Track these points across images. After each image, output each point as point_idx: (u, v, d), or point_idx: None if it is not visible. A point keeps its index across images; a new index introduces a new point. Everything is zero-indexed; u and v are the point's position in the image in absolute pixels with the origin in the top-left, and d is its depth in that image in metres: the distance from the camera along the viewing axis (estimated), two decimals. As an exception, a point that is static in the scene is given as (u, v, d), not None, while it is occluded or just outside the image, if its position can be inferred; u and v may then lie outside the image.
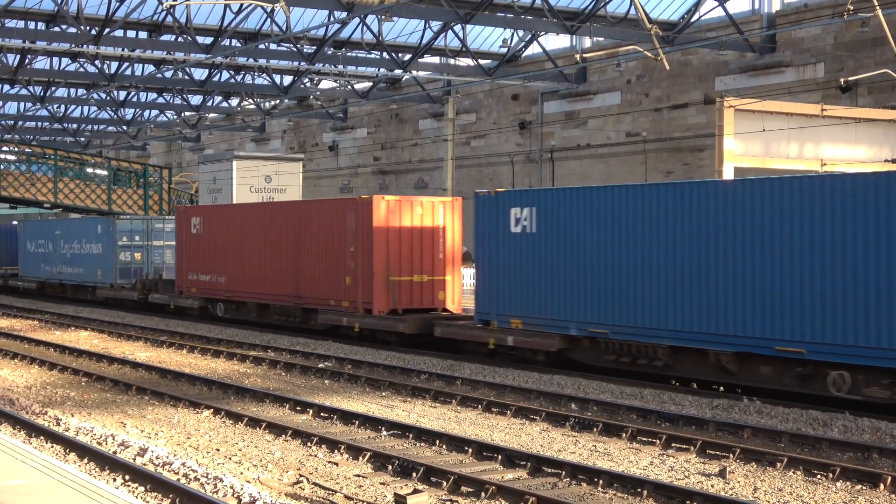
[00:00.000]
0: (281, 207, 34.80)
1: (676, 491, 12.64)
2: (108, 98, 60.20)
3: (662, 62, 30.97)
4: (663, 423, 17.59)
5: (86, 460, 14.45)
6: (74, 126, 74.41)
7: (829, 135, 28.33)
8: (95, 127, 75.68)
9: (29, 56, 47.84)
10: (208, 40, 40.59)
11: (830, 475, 13.60)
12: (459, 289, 30.03)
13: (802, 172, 25.58)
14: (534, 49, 47.57)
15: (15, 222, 63.02)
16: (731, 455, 14.84)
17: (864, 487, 13.21)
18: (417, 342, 28.23)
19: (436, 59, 49.35)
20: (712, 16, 40.57)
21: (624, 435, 16.47)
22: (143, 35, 44.76)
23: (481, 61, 46.12)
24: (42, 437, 16.09)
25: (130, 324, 35.89)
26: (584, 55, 45.80)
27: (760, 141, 27.06)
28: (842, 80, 32.46)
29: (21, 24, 41.08)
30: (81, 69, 51.50)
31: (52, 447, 15.43)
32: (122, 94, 60.49)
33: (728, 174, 26.08)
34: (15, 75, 49.15)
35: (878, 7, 24.96)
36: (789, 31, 37.66)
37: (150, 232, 44.94)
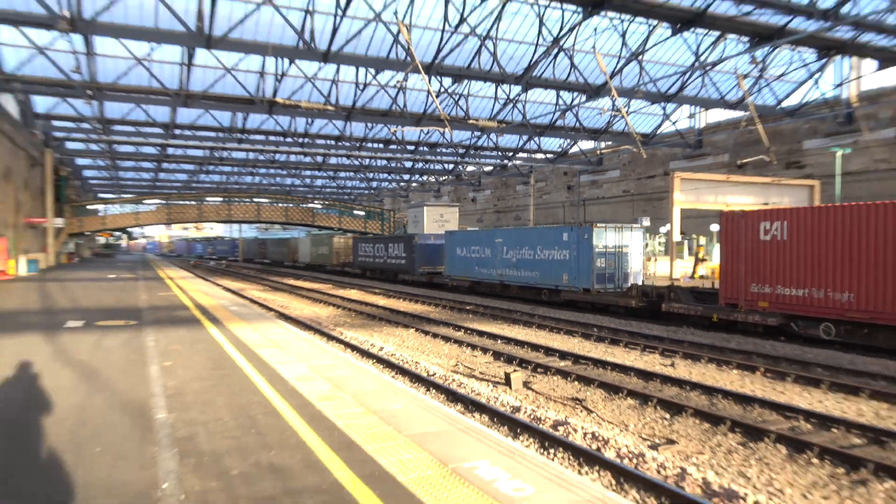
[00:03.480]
0: None
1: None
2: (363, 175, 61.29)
3: (641, 154, 30.08)
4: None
5: (354, 353, 14.68)
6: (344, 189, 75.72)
7: (732, 190, 27.12)
8: (350, 187, 76.89)
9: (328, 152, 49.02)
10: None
11: None
12: None
13: (714, 210, 24.49)
14: (574, 149, 46.82)
15: (446, 231, 32.24)
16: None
17: None
18: None
19: (524, 154, 48.97)
20: (669, 129, 39.28)
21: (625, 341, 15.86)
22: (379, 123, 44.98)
23: (548, 155, 45.57)
24: (334, 341, 16.35)
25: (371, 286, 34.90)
26: (602, 151, 44.87)
27: (694, 194, 26.11)
28: (738, 161, 31.04)
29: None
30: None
31: (336, 345, 15.54)
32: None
33: (676, 214, 25.19)
34: (321, 168, 50.46)
35: (757, 120, 23.72)
36: (710, 136, 36.19)
37: (622, 239, 24.04)
